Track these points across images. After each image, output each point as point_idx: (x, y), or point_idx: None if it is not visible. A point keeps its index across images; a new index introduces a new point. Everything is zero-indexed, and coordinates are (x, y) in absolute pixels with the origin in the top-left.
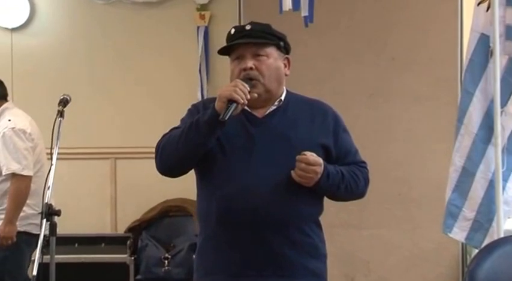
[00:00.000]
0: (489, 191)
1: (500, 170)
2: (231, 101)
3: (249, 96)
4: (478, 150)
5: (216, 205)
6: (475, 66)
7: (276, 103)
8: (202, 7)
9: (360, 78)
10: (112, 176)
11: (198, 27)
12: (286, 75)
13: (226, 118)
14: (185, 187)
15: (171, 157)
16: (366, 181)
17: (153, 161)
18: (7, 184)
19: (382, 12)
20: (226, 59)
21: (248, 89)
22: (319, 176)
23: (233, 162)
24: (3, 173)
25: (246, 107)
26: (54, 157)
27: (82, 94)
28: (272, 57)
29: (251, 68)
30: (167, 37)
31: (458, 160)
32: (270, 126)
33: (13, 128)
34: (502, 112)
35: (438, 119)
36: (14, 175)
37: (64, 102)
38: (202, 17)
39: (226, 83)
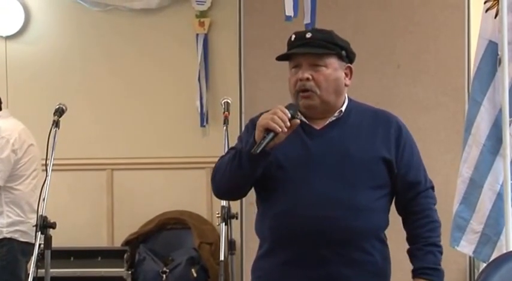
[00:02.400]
0: (497, 204)
1: (509, 182)
2: (268, 130)
3: (288, 124)
4: (486, 161)
5: (270, 222)
6: (483, 75)
7: (336, 114)
8: (202, 14)
9: (365, 87)
10: (108, 187)
11: (197, 35)
12: (346, 85)
13: (258, 151)
14: (183, 199)
15: (221, 183)
16: (437, 220)
17: (151, 172)
18: None
19: (388, 20)
20: (226, 67)
21: (289, 115)
22: None
23: (289, 177)
24: None
25: (304, 119)
26: (50, 168)
27: (78, 103)
28: (331, 67)
29: (307, 79)
30: (165, 45)
31: (465, 171)
32: (327, 139)
33: None
34: (510, 122)
35: (445, 129)
36: None
37: (60, 111)
38: (201, 24)
39: (227, 91)
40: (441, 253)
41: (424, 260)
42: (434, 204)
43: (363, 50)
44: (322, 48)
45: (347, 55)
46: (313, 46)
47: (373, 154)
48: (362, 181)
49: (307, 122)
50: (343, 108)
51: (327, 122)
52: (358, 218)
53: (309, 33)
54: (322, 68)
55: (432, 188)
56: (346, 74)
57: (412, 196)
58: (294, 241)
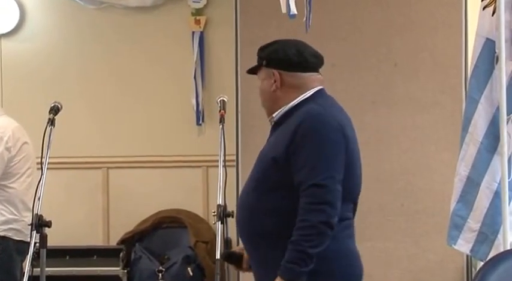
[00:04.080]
0: (494, 202)
1: (507, 180)
2: None
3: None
4: (483, 159)
5: None
6: (480, 73)
7: (273, 120)
8: (198, 12)
9: (362, 85)
10: (104, 186)
11: (193, 33)
12: (274, 91)
13: None
14: (179, 197)
15: None
16: (306, 220)
17: (147, 170)
18: None
19: (385, 18)
20: (222, 65)
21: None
22: None
23: None
24: None
25: None
26: (45, 166)
27: (73, 102)
28: (261, 79)
29: None
30: (161, 43)
31: (463, 170)
32: (267, 143)
33: None
34: (508, 120)
35: (443, 127)
36: None
37: (55, 110)
38: (197, 22)
39: (223, 89)
40: (299, 251)
41: (285, 257)
42: (312, 203)
43: (360, 47)
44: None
45: (268, 62)
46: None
47: (268, 156)
48: (257, 183)
49: None
50: (274, 114)
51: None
52: (251, 219)
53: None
54: (260, 82)
55: (315, 185)
56: (274, 81)
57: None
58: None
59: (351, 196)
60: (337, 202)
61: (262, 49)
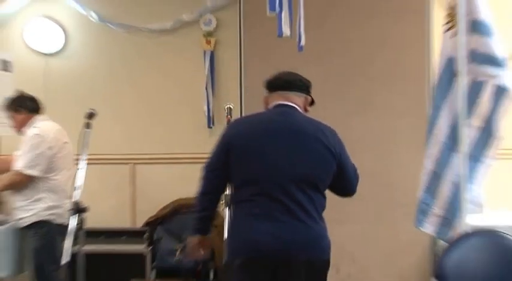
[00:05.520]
0: (455, 192)
1: (465, 174)
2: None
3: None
4: (445, 156)
5: None
6: (443, 85)
7: None
8: (209, 34)
9: (348, 96)
10: (131, 178)
11: (205, 52)
12: (265, 104)
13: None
14: (194, 187)
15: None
16: None
17: (167, 165)
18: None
19: (366, 40)
20: (229, 78)
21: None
22: None
23: None
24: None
25: None
26: (82, 162)
27: (105, 109)
28: None
29: None
30: (178, 60)
31: (429, 165)
32: None
33: (36, 134)
34: (466, 124)
35: (412, 130)
36: (18, 170)
37: (91, 115)
38: (208, 42)
39: (229, 98)
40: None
41: None
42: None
43: (347, 66)
44: None
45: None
46: None
47: None
48: None
49: None
50: None
51: None
52: None
53: None
54: None
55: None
56: (265, 96)
57: None
58: None
59: (246, 183)
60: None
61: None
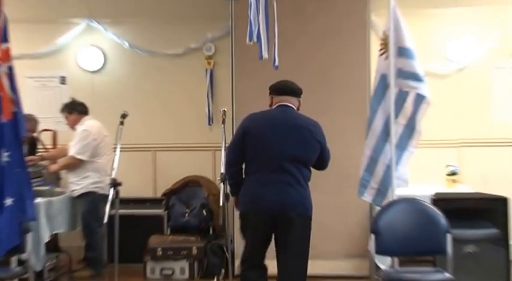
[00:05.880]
0: (387, 171)
1: (394, 158)
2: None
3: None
4: (380, 146)
5: None
6: (378, 94)
7: None
8: (209, 57)
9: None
10: (153, 161)
11: (206, 70)
12: (269, 104)
13: None
14: (198, 168)
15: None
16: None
17: (179, 152)
18: (83, 164)
19: (323, 58)
20: (223, 89)
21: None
22: None
23: None
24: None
25: None
26: (117, 149)
27: (134, 111)
28: None
29: None
30: (187, 76)
31: (367, 152)
32: None
33: (84, 129)
34: (394, 122)
35: (357, 126)
36: (71, 155)
37: (124, 115)
38: (209, 63)
39: (224, 103)
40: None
41: None
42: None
43: (311, 78)
44: None
45: (269, 91)
46: None
47: None
48: None
49: None
50: None
51: None
52: None
53: None
54: None
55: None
56: (270, 98)
57: None
58: None
59: (255, 160)
60: (229, 163)
61: (272, 84)
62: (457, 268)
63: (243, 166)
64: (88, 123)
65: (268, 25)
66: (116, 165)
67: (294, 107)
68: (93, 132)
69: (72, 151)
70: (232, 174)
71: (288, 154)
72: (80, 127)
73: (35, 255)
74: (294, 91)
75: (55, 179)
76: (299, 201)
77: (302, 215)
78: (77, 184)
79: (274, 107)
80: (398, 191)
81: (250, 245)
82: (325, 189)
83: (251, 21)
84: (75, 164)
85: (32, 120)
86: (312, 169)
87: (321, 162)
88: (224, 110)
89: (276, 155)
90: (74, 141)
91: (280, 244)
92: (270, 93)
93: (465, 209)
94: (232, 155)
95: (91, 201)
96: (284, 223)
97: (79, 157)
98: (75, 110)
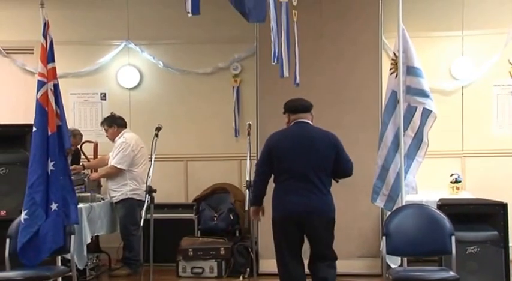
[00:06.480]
0: (397, 179)
1: (403, 167)
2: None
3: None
4: (390, 156)
5: None
6: (389, 109)
7: None
8: (236, 75)
9: (326, 116)
10: (185, 171)
11: (233, 87)
12: (287, 122)
13: None
14: (225, 176)
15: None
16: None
17: (209, 161)
18: (122, 173)
19: (338, 73)
20: (249, 105)
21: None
22: None
23: None
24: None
25: None
26: (153, 159)
27: (168, 124)
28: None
29: None
30: (216, 93)
31: (379, 161)
32: None
33: (123, 142)
34: (404, 134)
35: (370, 140)
36: (112, 165)
37: (158, 128)
38: (236, 81)
39: (249, 118)
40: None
41: None
42: None
43: (324, 93)
44: None
45: (284, 110)
46: None
47: None
48: None
49: None
50: None
51: None
52: None
53: None
54: None
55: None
56: (286, 116)
57: None
58: None
59: (283, 171)
60: (256, 176)
61: (286, 104)
62: (461, 267)
63: (268, 180)
64: (127, 136)
65: (289, 46)
66: (151, 173)
67: (309, 121)
68: (132, 144)
69: (113, 161)
70: (258, 186)
71: (308, 164)
72: (120, 139)
73: (77, 255)
74: (306, 108)
75: (96, 186)
76: (320, 205)
77: (323, 217)
78: (116, 190)
79: (291, 124)
80: (407, 197)
81: (285, 245)
82: (341, 196)
83: (274, 43)
84: (115, 173)
85: (78, 136)
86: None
87: (341, 170)
88: (249, 124)
89: (299, 167)
90: (114, 152)
91: (311, 241)
92: (284, 112)
93: (468, 213)
94: (260, 169)
95: (129, 206)
96: (310, 224)
97: (119, 166)
98: (114, 123)
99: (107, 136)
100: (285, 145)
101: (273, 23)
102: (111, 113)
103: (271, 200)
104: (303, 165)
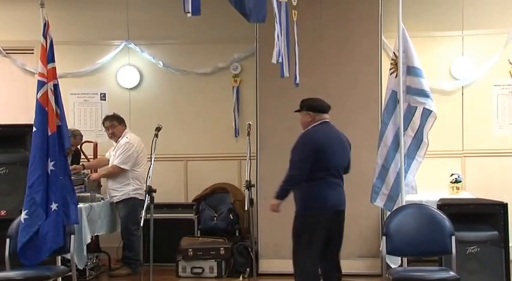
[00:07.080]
0: (397, 179)
1: (403, 167)
2: None
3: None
4: (390, 155)
5: None
6: (389, 109)
7: None
8: (235, 75)
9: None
10: (185, 171)
11: (233, 87)
12: (309, 121)
13: None
14: (225, 176)
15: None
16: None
17: (208, 161)
18: (125, 173)
19: (341, 79)
20: (249, 104)
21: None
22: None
23: None
24: (112, 163)
25: None
26: (153, 159)
27: (168, 124)
28: (301, 115)
29: None
30: (216, 92)
31: (379, 161)
32: None
33: (127, 142)
34: (404, 134)
35: (370, 139)
36: (115, 165)
37: (158, 128)
38: (235, 81)
39: (249, 117)
40: (281, 187)
41: None
42: (284, 180)
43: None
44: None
45: (303, 107)
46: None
47: None
48: None
49: None
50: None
51: None
52: None
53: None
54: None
55: (288, 176)
56: (309, 115)
57: None
58: None
59: (323, 169)
60: (299, 170)
61: (303, 101)
62: (461, 267)
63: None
64: (130, 136)
65: (289, 46)
66: (151, 173)
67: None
68: (135, 144)
69: (116, 161)
70: (297, 181)
71: (340, 162)
72: (123, 139)
73: (77, 255)
74: (329, 108)
75: (96, 186)
76: (344, 200)
77: (344, 211)
78: (118, 190)
79: (318, 123)
80: (407, 197)
81: (321, 240)
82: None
83: (278, 41)
84: (118, 173)
85: (78, 136)
86: None
87: (349, 167)
88: (249, 124)
89: (334, 163)
90: (117, 152)
91: (335, 236)
92: (307, 109)
93: (468, 213)
94: (305, 166)
95: (131, 206)
96: (341, 218)
97: (122, 166)
98: (123, 121)
99: (109, 134)
100: (329, 143)
101: (276, 22)
102: (113, 113)
103: (304, 197)
104: (338, 162)
